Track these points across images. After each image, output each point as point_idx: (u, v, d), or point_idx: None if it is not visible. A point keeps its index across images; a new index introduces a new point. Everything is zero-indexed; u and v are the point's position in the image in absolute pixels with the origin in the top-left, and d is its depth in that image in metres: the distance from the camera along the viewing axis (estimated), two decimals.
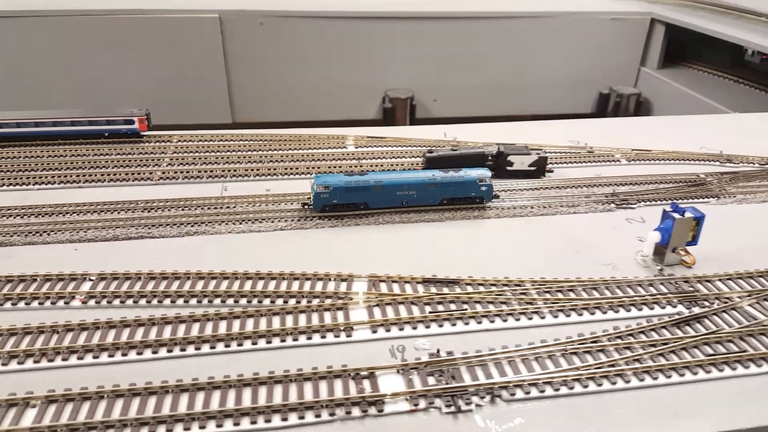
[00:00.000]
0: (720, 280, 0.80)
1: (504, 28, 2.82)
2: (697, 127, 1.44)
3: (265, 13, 2.44)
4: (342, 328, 0.68)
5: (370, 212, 0.93)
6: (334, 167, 1.09)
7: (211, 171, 1.05)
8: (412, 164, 1.12)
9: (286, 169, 1.07)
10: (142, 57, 2.35)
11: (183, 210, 0.93)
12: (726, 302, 0.75)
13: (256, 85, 2.56)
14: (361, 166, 1.10)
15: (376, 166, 1.11)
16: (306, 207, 0.94)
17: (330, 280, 0.76)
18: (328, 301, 0.72)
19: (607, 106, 2.95)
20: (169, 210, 0.93)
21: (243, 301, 0.73)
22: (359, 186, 0.92)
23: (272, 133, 1.21)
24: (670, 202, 1.02)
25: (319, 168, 1.09)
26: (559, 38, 2.84)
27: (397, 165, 1.12)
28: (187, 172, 1.05)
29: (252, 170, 1.06)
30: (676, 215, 0.81)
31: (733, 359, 0.65)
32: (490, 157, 1.09)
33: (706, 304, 0.75)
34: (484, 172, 0.97)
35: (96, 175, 1.03)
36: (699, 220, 0.81)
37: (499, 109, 2.98)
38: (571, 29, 2.82)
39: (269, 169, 1.07)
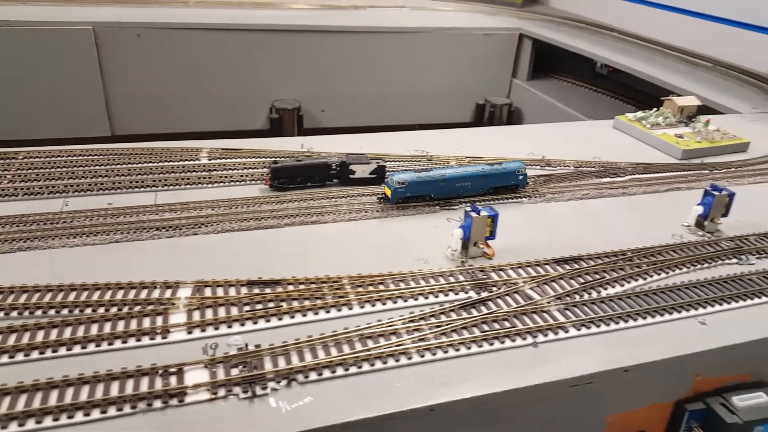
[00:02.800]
0: (511, 268, 0.93)
1: (386, 43, 2.94)
2: (537, 134, 1.61)
3: (142, 25, 2.41)
4: (158, 331, 0.74)
5: (193, 223, 0.99)
6: (183, 179, 1.13)
7: (53, 187, 1.06)
8: (261, 174, 1.18)
9: (131, 182, 1.10)
10: (13, 70, 2.26)
11: (18, 226, 0.94)
12: (511, 287, 0.87)
13: (137, 97, 2.52)
14: (210, 177, 1.15)
15: (226, 177, 1.16)
16: (381, 200, 1.09)
17: (156, 287, 0.81)
18: (150, 308, 0.77)
19: (483, 115, 3.15)
20: (2, 227, 0.94)
21: (65, 311, 0.76)
22: (428, 180, 1.08)
23: (121, 147, 1.23)
24: (491, 203, 1.16)
25: (166, 180, 1.13)
26: (437, 52, 3.01)
27: (247, 176, 1.18)
28: (28, 188, 1.05)
29: (95, 185, 1.08)
30: (474, 214, 0.93)
31: (503, 334, 0.77)
32: (333, 167, 1.18)
33: (494, 289, 0.87)
34: (520, 164, 1.16)
35: None
36: (494, 218, 0.94)
37: (384, 119, 3.10)
38: (447, 44, 2.99)
39: (114, 183, 1.09)
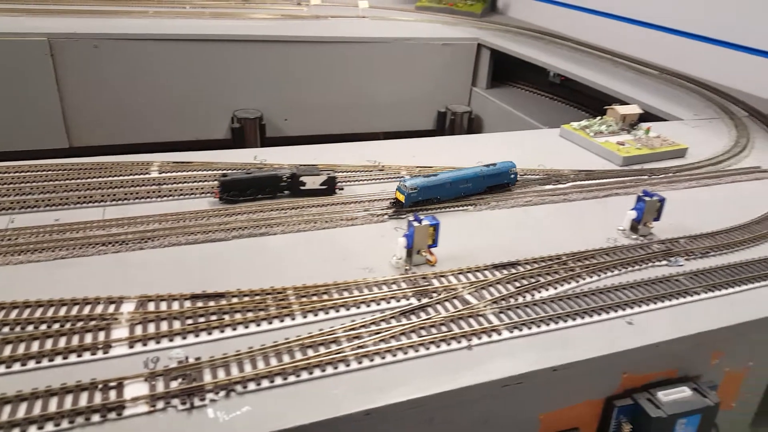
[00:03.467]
0: (452, 274, 0.96)
1: (348, 52, 2.98)
2: (487, 143, 1.66)
3: (99, 36, 2.40)
4: (100, 346, 0.75)
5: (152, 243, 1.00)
6: (131, 194, 1.14)
7: None
8: (212, 187, 1.19)
9: (79, 198, 1.11)
10: None
11: None
12: (451, 292, 0.91)
13: (95, 109, 2.50)
14: (160, 191, 1.16)
15: (176, 191, 1.18)
16: (394, 204, 1.17)
17: (99, 303, 0.82)
18: (93, 323, 0.78)
19: (444, 123, 3.20)
20: None
21: (5, 329, 0.76)
22: (436, 184, 1.18)
23: (70, 162, 1.23)
24: (437, 212, 1.19)
25: (114, 195, 1.13)
26: (398, 62, 3.05)
27: (197, 189, 1.19)
28: None
29: (42, 201, 1.08)
30: (416, 223, 0.96)
31: (439, 339, 0.80)
32: (284, 179, 1.20)
33: (435, 295, 0.90)
34: (511, 164, 1.28)
35: None
36: (435, 226, 0.97)
37: (348, 128, 3.14)
38: (408, 54, 3.04)
39: (61, 199, 1.09)
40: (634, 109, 1.68)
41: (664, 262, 1.04)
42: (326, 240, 1.06)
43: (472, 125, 3.17)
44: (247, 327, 0.81)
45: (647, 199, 1.10)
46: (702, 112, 2.00)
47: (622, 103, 2.04)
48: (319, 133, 3.08)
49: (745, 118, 1.96)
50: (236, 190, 1.15)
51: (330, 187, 1.22)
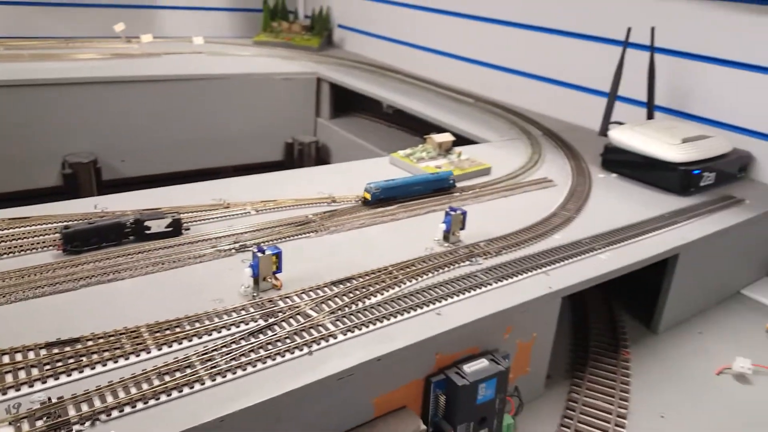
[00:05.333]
0: (296, 294, 1.11)
1: (185, 89, 3.02)
2: (327, 174, 1.83)
3: None
4: None
5: None
6: None
7: None
8: (54, 240, 1.22)
9: None
10: None
11: None
12: (294, 310, 1.05)
13: None
14: None
15: (16, 248, 1.19)
16: (363, 202, 1.51)
17: None
18: None
19: (293, 153, 3.36)
20: None
21: None
22: (394, 186, 1.52)
23: None
24: (283, 241, 1.34)
25: None
26: (240, 97, 3.15)
27: (39, 243, 1.21)
28: None
29: None
30: (260, 254, 1.09)
31: (284, 350, 0.94)
32: (128, 225, 1.27)
33: (280, 314, 1.04)
34: (449, 173, 1.65)
35: None
36: (278, 254, 1.11)
37: (193, 164, 3.16)
38: (249, 88, 3.16)
39: None
40: (447, 137, 1.97)
41: (468, 263, 1.28)
42: (176, 279, 1.15)
43: (320, 153, 3.36)
44: (105, 365, 0.88)
45: (453, 213, 1.34)
46: (506, 134, 2.37)
47: (442, 130, 2.35)
48: (161, 172, 3.07)
49: (540, 137, 2.36)
50: (79, 240, 1.20)
51: (176, 228, 1.31)
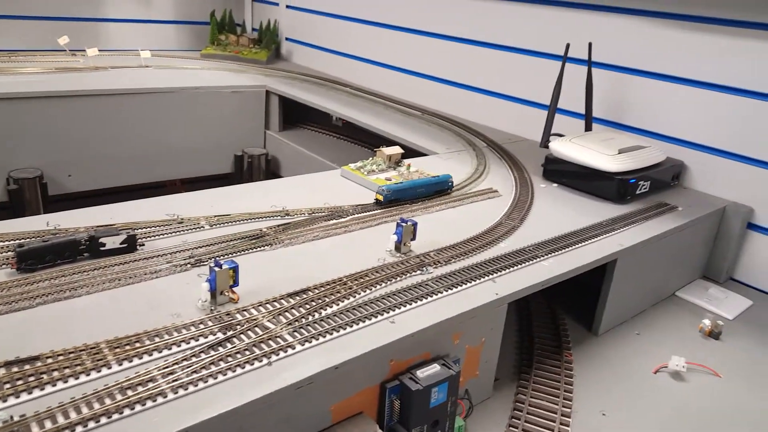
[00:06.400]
0: (254, 307, 1.14)
1: (132, 103, 2.99)
2: (279, 188, 1.85)
3: None
4: None
5: None
6: None
7: None
8: (7, 258, 1.21)
9: None
10: None
11: None
12: (252, 322, 1.08)
13: None
14: None
15: None
16: (376, 203, 1.69)
17: None
18: None
19: (243, 166, 3.36)
20: None
21: None
22: (402, 188, 1.71)
23: None
24: (238, 255, 1.36)
25: None
26: (188, 110, 3.13)
27: None
28: None
29: None
30: (216, 268, 1.12)
31: (243, 362, 0.97)
32: (83, 242, 1.27)
33: (239, 327, 1.07)
34: (448, 176, 1.84)
35: None
36: (234, 269, 1.14)
37: (142, 178, 3.12)
38: (197, 102, 3.15)
39: None
40: (396, 150, 2.03)
41: (419, 272, 1.34)
42: (133, 294, 1.16)
43: (270, 166, 3.37)
44: (66, 382, 0.89)
45: (404, 224, 1.40)
46: (453, 146, 2.46)
47: (391, 142, 2.42)
48: (110, 186, 3.03)
49: (485, 148, 2.46)
50: (34, 258, 1.19)
51: (130, 244, 1.32)
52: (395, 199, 1.69)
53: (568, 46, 2.24)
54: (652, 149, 2.08)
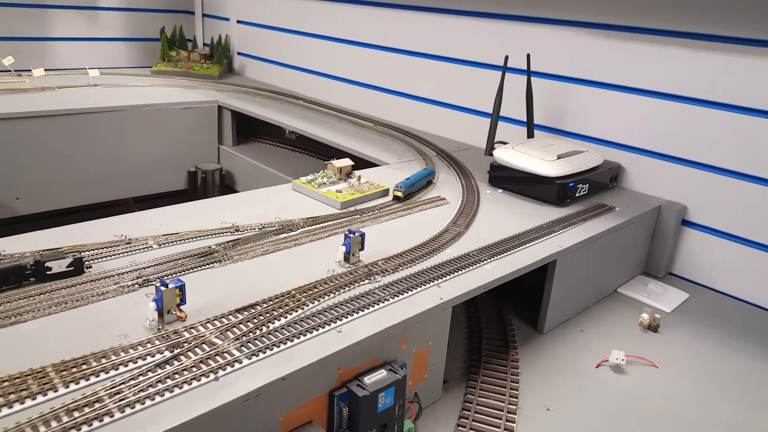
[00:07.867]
0: (201, 324, 1.16)
1: (81, 123, 2.95)
2: (229, 204, 1.87)
3: None
4: None
5: None
6: None
7: None
8: None
9: None
10: None
11: None
12: (200, 339, 1.10)
13: None
14: None
15: None
16: (396, 200, 1.92)
17: None
18: None
19: (197, 182, 3.34)
20: None
21: None
22: (413, 182, 1.95)
23: None
24: (186, 273, 1.38)
25: None
26: (138, 128, 3.11)
27: None
28: None
29: None
30: (162, 288, 1.14)
31: (190, 378, 0.99)
32: (28, 267, 1.26)
33: (186, 344, 1.09)
34: (432, 169, 2.14)
35: None
36: (180, 287, 1.16)
37: (93, 198, 3.08)
38: (148, 119, 3.13)
39: None
40: (347, 162, 2.08)
41: (367, 281, 1.38)
42: (80, 317, 1.17)
43: (225, 180, 3.37)
44: (11, 407, 0.90)
45: (351, 235, 1.44)
46: (404, 156, 2.52)
47: (343, 153, 2.47)
48: (59, 207, 2.98)
49: (434, 157, 2.52)
50: None
51: (77, 267, 1.32)
52: (409, 194, 1.95)
53: (506, 58, 2.33)
54: (589, 153, 2.18)
